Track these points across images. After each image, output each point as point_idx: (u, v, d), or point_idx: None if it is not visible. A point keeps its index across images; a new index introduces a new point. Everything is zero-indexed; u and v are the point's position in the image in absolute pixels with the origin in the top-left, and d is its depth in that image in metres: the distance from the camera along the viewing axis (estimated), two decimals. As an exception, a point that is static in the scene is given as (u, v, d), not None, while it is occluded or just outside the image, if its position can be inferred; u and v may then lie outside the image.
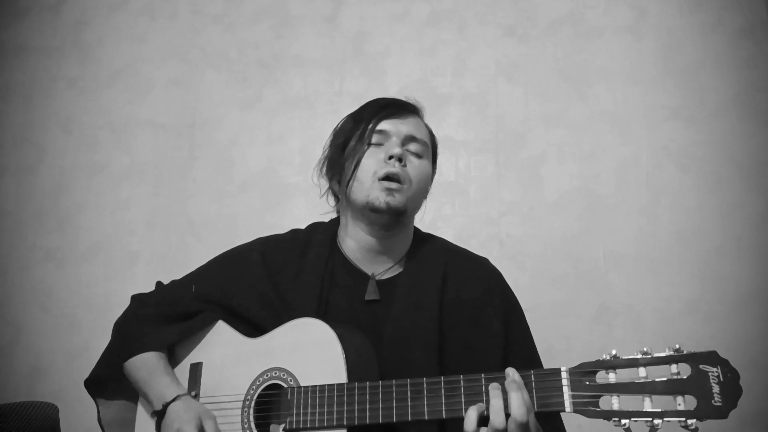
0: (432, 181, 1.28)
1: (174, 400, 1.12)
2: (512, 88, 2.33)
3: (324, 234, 1.26)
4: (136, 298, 1.30)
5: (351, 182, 1.17)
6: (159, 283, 1.33)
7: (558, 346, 2.07)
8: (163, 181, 2.54)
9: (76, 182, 2.61)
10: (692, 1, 2.24)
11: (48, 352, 2.46)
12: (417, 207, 1.22)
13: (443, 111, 2.37)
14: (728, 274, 2.04)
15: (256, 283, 1.21)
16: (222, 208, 2.47)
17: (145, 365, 1.18)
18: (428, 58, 2.43)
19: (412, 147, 1.19)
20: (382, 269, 1.20)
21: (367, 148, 1.17)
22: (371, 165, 1.15)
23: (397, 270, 1.21)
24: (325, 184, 1.26)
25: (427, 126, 1.27)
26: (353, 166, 1.16)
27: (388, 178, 1.13)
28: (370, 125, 1.17)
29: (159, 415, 1.12)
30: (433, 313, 1.14)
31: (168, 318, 1.23)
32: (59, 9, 2.80)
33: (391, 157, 1.14)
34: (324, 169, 1.24)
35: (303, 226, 1.31)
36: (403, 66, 2.44)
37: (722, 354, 0.82)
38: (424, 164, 1.20)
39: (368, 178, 1.14)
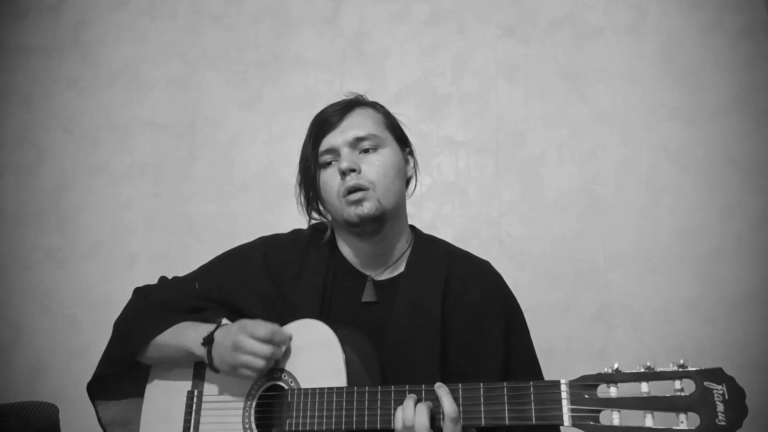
0: (410, 156, 1.26)
1: (217, 327, 1.12)
2: (512, 88, 2.33)
3: (326, 235, 1.26)
4: (140, 290, 1.30)
5: (325, 206, 1.20)
6: (163, 278, 1.33)
7: (558, 346, 2.07)
8: (163, 181, 2.54)
9: (76, 182, 2.61)
10: (692, 1, 2.24)
11: (48, 352, 2.46)
12: (398, 197, 1.19)
13: (443, 111, 2.37)
14: (728, 274, 2.04)
15: (258, 283, 1.21)
16: (222, 208, 2.47)
17: (168, 331, 1.18)
18: (428, 58, 2.43)
19: (363, 145, 1.16)
20: (380, 270, 1.20)
21: (323, 170, 1.17)
22: (333, 185, 1.15)
23: (396, 270, 1.21)
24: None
25: (374, 108, 1.24)
26: (318, 193, 1.19)
27: (349, 192, 1.13)
28: (315, 149, 1.18)
29: (208, 343, 1.11)
30: (435, 316, 1.13)
31: (173, 310, 1.23)
32: (59, 9, 2.79)
33: (343, 174, 1.13)
34: (303, 199, 1.25)
35: (303, 227, 1.31)
36: (403, 66, 2.44)
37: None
38: (384, 154, 1.17)
39: (335, 199, 1.15)
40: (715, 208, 2.10)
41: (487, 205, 2.27)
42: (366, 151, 1.16)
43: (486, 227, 2.25)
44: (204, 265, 1.31)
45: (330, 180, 1.16)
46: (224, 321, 1.15)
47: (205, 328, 1.13)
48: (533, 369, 1.17)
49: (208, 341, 1.11)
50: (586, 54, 2.30)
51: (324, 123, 1.19)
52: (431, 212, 2.29)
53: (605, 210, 2.17)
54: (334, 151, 1.17)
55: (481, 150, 2.31)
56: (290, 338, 1.09)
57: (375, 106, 1.25)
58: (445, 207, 2.29)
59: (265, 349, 1.04)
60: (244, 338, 1.05)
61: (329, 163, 1.17)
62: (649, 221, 2.13)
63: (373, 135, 1.17)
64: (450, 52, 2.42)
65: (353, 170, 1.13)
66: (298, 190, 1.25)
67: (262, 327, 1.05)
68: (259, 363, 1.04)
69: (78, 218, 2.57)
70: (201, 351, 1.12)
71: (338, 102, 1.24)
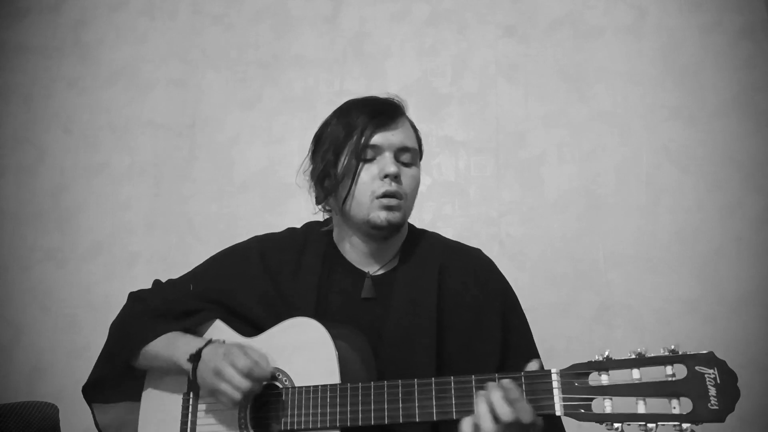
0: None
1: (207, 344, 1.11)
2: (512, 88, 2.33)
3: (321, 233, 1.26)
4: (134, 296, 1.30)
5: (348, 200, 1.15)
6: (157, 281, 1.33)
7: (558, 346, 2.07)
8: (163, 181, 2.54)
9: (76, 182, 2.61)
10: (692, 1, 2.24)
11: (48, 352, 2.46)
12: (411, 212, 1.22)
13: (443, 111, 2.37)
14: (728, 274, 2.04)
15: (257, 282, 1.21)
16: (222, 208, 2.47)
17: (160, 340, 1.17)
18: (428, 58, 2.43)
19: (404, 157, 1.17)
20: (378, 266, 1.21)
21: (362, 165, 1.14)
22: (367, 183, 1.13)
23: (392, 265, 1.21)
24: (313, 193, 1.23)
25: (411, 123, 1.24)
26: (350, 184, 1.14)
27: (385, 196, 1.12)
28: (363, 140, 1.14)
29: (194, 360, 1.09)
30: (431, 310, 1.14)
31: (167, 315, 1.23)
32: (59, 9, 2.80)
33: (386, 176, 1.13)
34: (315, 181, 1.20)
35: (298, 226, 1.32)
36: (403, 66, 2.44)
37: (721, 354, 0.80)
38: (416, 172, 1.19)
39: (366, 197, 1.13)
40: (715, 208, 2.10)
41: (487, 205, 2.27)
42: (404, 164, 1.17)
43: (486, 227, 2.25)
44: (199, 265, 1.30)
45: (366, 176, 1.14)
46: (215, 338, 1.14)
47: (195, 343, 1.12)
48: (532, 355, 1.17)
49: (195, 358, 1.09)
50: (586, 54, 2.30)
51: (375, 119, 1.16)
52: (431, 212, 2.29)
53: (605, 210, 2.17)
54: (377, 149, 1.15)
55: (481, 150, 2.32)
56: (270, 374, 1.07)
57: (408, 117, 1.25)
58: (445, 207, 2.29)
59: (244, 383, 1.02)
60: (224, 366, 1.03)
61: (370, 160, 1.15)
62: (649, 221, 2.13)
63: (414, 150, 1.19)
64: (450, 52, 2.42)
65: (397, 178, 1.14)
66: (316, 166, 1.20)
67: (242, 359, 1.03)
68: (236, 395, 1.03)
69: (78, 218, 2.57)
70: (187, 366, 1.11)
71: (386, 100, 1.22)
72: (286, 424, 1.04)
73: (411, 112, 1.26)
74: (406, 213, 1.17)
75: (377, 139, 1.14)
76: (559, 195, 2.22)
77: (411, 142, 1.18)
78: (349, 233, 1.21)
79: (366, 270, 1.20)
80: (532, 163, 2.26)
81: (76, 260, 2.54)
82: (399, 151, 1.16)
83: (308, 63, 2.53)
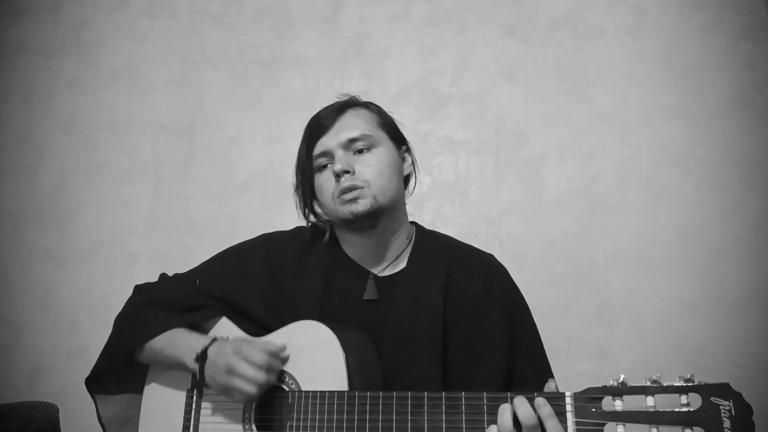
0: (407, 153, 1.26)
1: (211, 343, 1.11)
2: (512, 88, 2.33)
3: (327, 233, 1.26)
4: (140, 288, 1.30)
5: (322, 207, 1.21)
6: (163, 275, 1.33)
7: (558, 346, 2.07)
8: (163, 181, 2.54)
9: (76, 182, 2.61)
10: (692, 1, 2.24)
11: (48, 352, 2.46)
12: (394, 194, 1.19)
13: (443, 111, 2.37)
14: (728, 274, 2.04)
15: (257, 281, 1.21)
16: (222, 208, 2.47)
17: (163, 337, 1.18)
18: (428, 58, 2.43)
19: (358, 145, 1.18)
20: (383, 266, 1.21)
21: (319, 173, 1.19)
22: (329, 188, 1.17)
23: (399, 266, 1.21)
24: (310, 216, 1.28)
25: (368, 108, 1.25)
26: (313, 196, 1.21)
27: (342, 192, 1.14)
28: (310, 152, 1.19)
29: (201, 360, 1.10)
30: (436, 310, 1.13)
31: (172, 309, 1.23)
32: (59, 9, 2.79)
33: (337, 176, 1.15)
34: (300, 203, 1.26)
35: (304, 224, 1.32)
36: (403, 66, 2.44)
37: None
38: (378, 153, 1.18)
39: (329, 200, 1.17)
40: (715, 208, 2.10)
41: (487, 205, 2.27)
42: (360, 151, 1.17)
43: (486, 227, 2.25)
44: (205, 261, 1.31)
45: (325, 183, 1.17)
46: (219, 335, 1.14)
47: (199, 342, 1.12)
48: (539, 360, 1.16)
49: (201, 358, 1.10)
50: (586, 54, 2.30)
51: (317, 126, 1.20)
52: (431, 212, 2.29)
53: (605, 210, 2.17)
54: (328, 154, 1.18)
55: (481, 150, 2.32)
56: (284, 363, 1.08)
57: (368, 106, 1.26)
58: (445, 207, 2.29)
59: (260, 376, 1.03)
60: (238, 362, 1.04)
61: (324, 166, 1.18)
62: (649, 221, 2.13)
63: (366, 135, 1.18)
64: (450, 52, 2.42)
65: (347, 172, 1.14)
66: (296, 188, 1.27)
67: (258, 353, 1.04)
68: (252, 389, 1.04)
69: (78, 218, 2.57)
70: (193, 366, 1.11)
71: (331, 104, 1.25)
72: (291, 428, 1.04)
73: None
74: (377, 197, 1.15)
75: (319, 147, 1.19)
76: (559, 195, 2.22)
77: (358, 130, 1.18)
78: (341, 233, 1.23)
79: (371, 269, 1.20)
80: (532, 163, 2.26)
81: (76, 260, 2.53)
82: (348, 144, 1.17)
83: (308, 63, 2.53)
